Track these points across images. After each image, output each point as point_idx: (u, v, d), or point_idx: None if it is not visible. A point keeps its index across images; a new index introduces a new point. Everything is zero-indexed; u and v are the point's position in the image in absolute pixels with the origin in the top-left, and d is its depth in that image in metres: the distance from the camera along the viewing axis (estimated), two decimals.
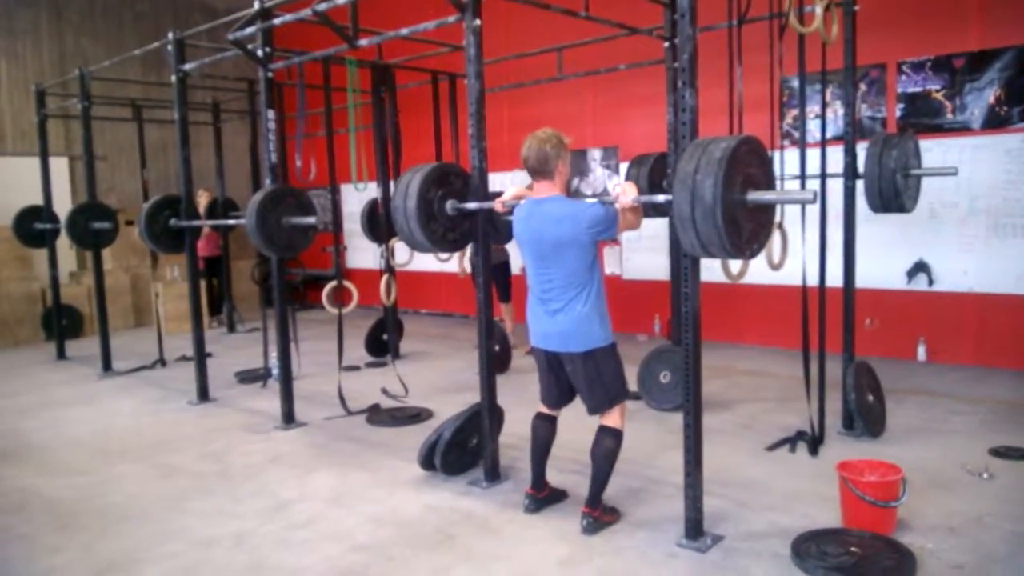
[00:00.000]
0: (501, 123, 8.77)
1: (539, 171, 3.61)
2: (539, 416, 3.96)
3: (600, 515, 3.66)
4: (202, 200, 9.71)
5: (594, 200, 3.55)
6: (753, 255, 3.23)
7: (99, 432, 5.69)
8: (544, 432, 3.92)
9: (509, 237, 6.92)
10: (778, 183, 4.36)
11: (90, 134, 7.69)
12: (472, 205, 4.26)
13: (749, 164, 3.07)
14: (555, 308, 3.60)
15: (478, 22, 4.08)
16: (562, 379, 3.80)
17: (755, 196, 3.07)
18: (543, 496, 3.90)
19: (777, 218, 4.22)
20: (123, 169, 11.69)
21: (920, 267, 6.85)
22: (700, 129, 3.34)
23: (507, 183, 8.02)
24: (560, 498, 3.98)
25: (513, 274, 7.71)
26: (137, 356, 8.29)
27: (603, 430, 3.68)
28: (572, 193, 9.12)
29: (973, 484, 4.10)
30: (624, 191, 3.50)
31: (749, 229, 3.11)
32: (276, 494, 4.31)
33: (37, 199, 8.59)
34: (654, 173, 6.07)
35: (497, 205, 4.05)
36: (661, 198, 3.48)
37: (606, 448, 3.64)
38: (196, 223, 6.59)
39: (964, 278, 6.66)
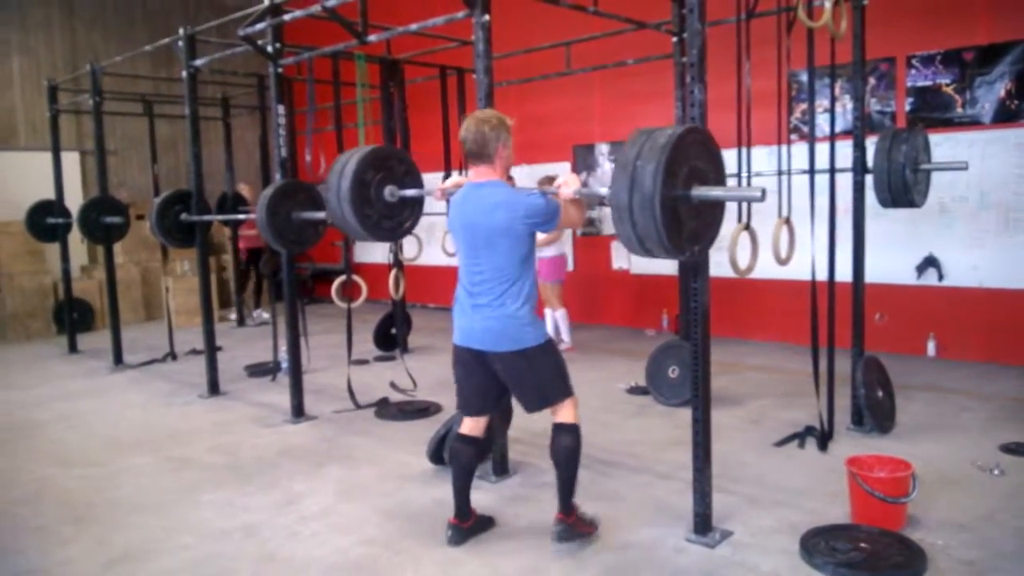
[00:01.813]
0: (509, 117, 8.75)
1: (477, 154, 3.32)
2: (460, 438, 3.59)
3: (576, 522, 3.43)
4: (244, 192, 9.81)
5: (535, 190, 3.36)
6: (693, 257, 3.06)
7: (111, 424, 5.74)
8: (467, 457, 3.55)
9: None
10: (783, 178, 4.37)
11: (101, 129, 7.74)
12: (411, 192, 4.19)
13: (696, 156, 2.92)
14: (483, 303, 3.32)
15: (487, 17, 4.08)
16: (485, 382, 3.47)
17: (700, 192, 2.91)
18: (468, 526, 3.57)
19: (784, 213, 4.23)
20: (134, 164, 11.75)
21: (930, 262, 6.83)
22: (708, 124, 3.34)
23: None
24: (487, 526, 3.65)
25: None
26: (148, 350, 8.34)
27: (557, 429, 3.41)
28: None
29: (983, 480, 4.09)
30: (566, 183, 3.31)
31: (691, 227, 2.95)
32: (286, 487, 4.34)
33: (49, 193, 8.65)
34: None
35: (437, 193, 3.91)
36: (603, 190, 3.18)
37: (564, 447, 3.37)
38: (207, 218, 6.62)
39: (974, 273, 6.64)
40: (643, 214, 2.80)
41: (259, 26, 5.39)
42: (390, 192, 4.14)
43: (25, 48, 10.86)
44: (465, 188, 3.43)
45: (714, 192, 2.97)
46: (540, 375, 3.36)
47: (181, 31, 6.21)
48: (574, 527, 3.41)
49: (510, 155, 3.41)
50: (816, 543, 3.33)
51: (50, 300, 9.91)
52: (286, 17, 5.35)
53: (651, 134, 2.89)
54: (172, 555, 3.55)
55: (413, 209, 4.32)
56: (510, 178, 8.11)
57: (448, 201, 3.75)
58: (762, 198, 2.88)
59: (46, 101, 8.52)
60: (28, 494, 4.37)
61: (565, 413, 3.42)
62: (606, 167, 9.05)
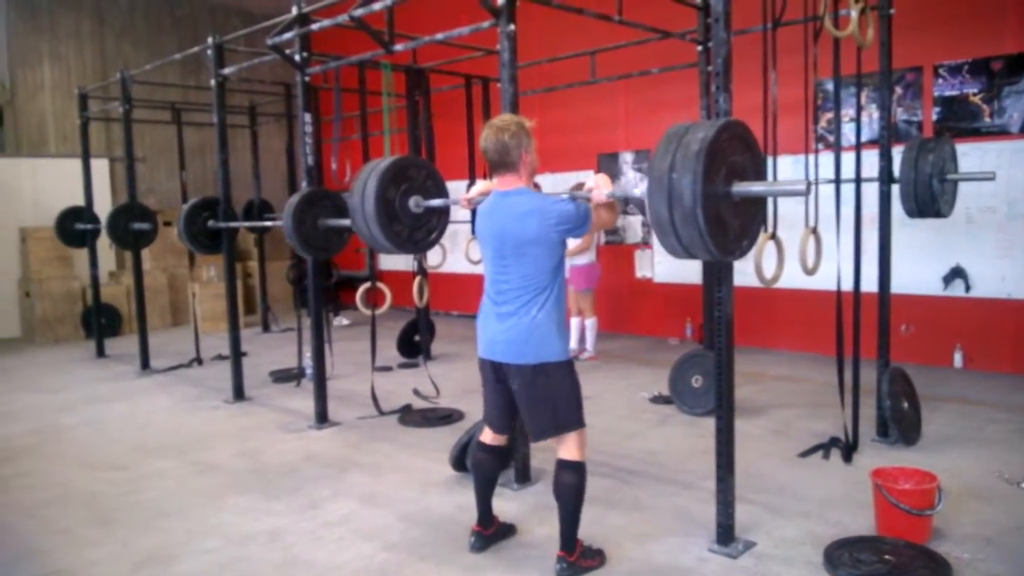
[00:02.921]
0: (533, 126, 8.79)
1: (501, 164, 3.23)
2: (482, 448, 3.57)
3: (577, 559, 3.27)
4: None
5: (565, 196, 3.26)
6: (743, 254, 2.94)
7: (137, 428, 5.81)
8: (489, 467, 3.54)
9: None
10: (811, 185, 4.35)
11: (131, 136, 7.85)
12: (436, 202, 4.12)
13: (733, 152, 2.79)
14: (507, 311, 3.23)
15: (512, 27, 4.11)
16: (504, 402, 3.41)
17: (741, 188, 2.80)
18: (490, 533, 3.57)
19: (811, 223, 4.21)
20: (162, 171, 11.91)
21: (957, 273, 6.76)
22: None
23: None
24: (509, 534, 3.66)
25: None
26: (174, 355, 8.43)
27: (561, 466, 3.27)
28: None
29: (1010, 493, 4.04)
30: (598, 185, 3.22)
31: (737, 226, 2.83)
32: (310, 492, 4.37)
33: (78, 200, 8.79)
34: None
35: (463, 202, 3.82)
36: (638, 191, 3.10)
37: (568, 485, 3.24)
38: (234, 224, 6.69)
39: (1002, 284, 6.56)
40: (686, 228, 2.70)
41: (287, 35, 5.46)
42: (415, 203, 4.09)
43: (56, 56, 11.06)
44: (492, 197, 3.35)
45: (755, 188, 2.84)
46: (556, 396, 3.23)
47: (210, 40, 6.30)
48: (576, 564, 3.27)
49: (534, 159, 3.30)
50: (840, 555, 3.30)
51: (78, 305, 10.06)
52: (314, 27, 5.41)
53: (682, 139, 2.75)
54: (196, 558, 3.59)
55: (440, 216, 4.28)
56: (537, 186, 8.16)
57: (474, 210, 3.71)
58: (807, 191, 2.77)
59: (76, 109, 8.66)
60: (55, 496, 4.43)
61: (570, 449, 3.26)
62: (630, 175, 9.05)
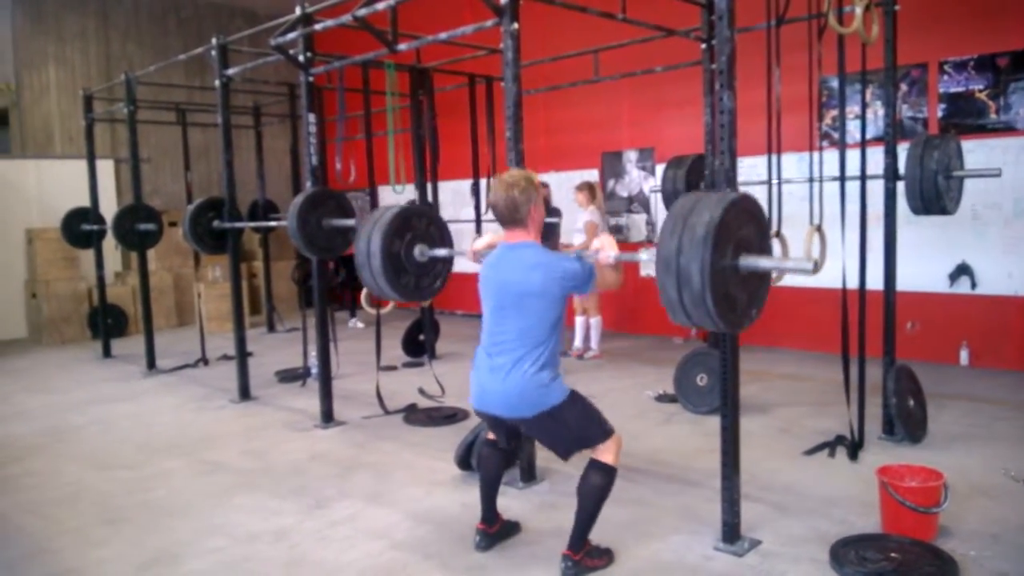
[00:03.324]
0: (537, 125, 8.78)
1: (510, 219, 3.27)
2: (488, 445, 3.65)
3: (582, 559, 3.27)
4: None
5: (572, 254, 3.28)
6: (751, 323, 2.97)
7: (144, 428, 5.83)
8: (495, 464, 3.59)
9: (546, 238, 6.99)
10: (813, 185, 4.35)
11: (136, 137, 7.86)
12: (441, 252, 4.14)
13: (739, 226, 2.81)
14: (501, 364, 3.20)
15: (516, 25, 4.11)
16: (508, 430, 3.46)
17: (748, 262, 2.82)
18: (495, 531, 3.59)
19: (815, 220, 4.21)
20: (167, 171, 11.94)
21: (963, 270, 6.75)
22: (738, 130, 3.34)
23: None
24: (513, 532, 3.68)
25: None
26: (180, 355, 8.46)
27: (592, 465, 3.28)
28: (608, 195, 9.12)
29: (1016, 491, 4.03)
30: (603, 247, 3.22)
31: (744, 299, 2.87)
32: (316, 491, 4.38)
33: (84, 201, 8.81)
34: (691, 175, 6.07)
35: (469, 254, 3.85)
36: (644, 255, 3.18)
37: (594, 485, 3.24)
38: (238, 224, 6.71)
39: (1008, 281, 6.54)
40: (696, 309, 2.74)
41: (291, 36, 5.47)
42: (420, 252, 4.11)
43: (61, 58, 11.10)
44: (500, 249, 3.39)
45: (762, 263, 2.85)
46: (570, 428, 3.24)
47: (214, 41, 6.31)
48: (581, 563, 3.27)
49: (542, 213, 3.35)
50: (846, 553, 3.30)
51: (84, 305, 10.09)
52: (317, 27, 5.42)
53: (687, 219, 2.74)
54: (203, 557, 3.60)
55: (445, 261, 4.29)
56: (545, 185, 8.15)
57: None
58: (813, 270, 2.79)
59: (81, 110, 8.68)
60: (64, 496, 4.45)
61: (604, 453, 3.27)
62: (634, 174, 9.05)
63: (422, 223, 4.14)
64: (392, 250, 3.96)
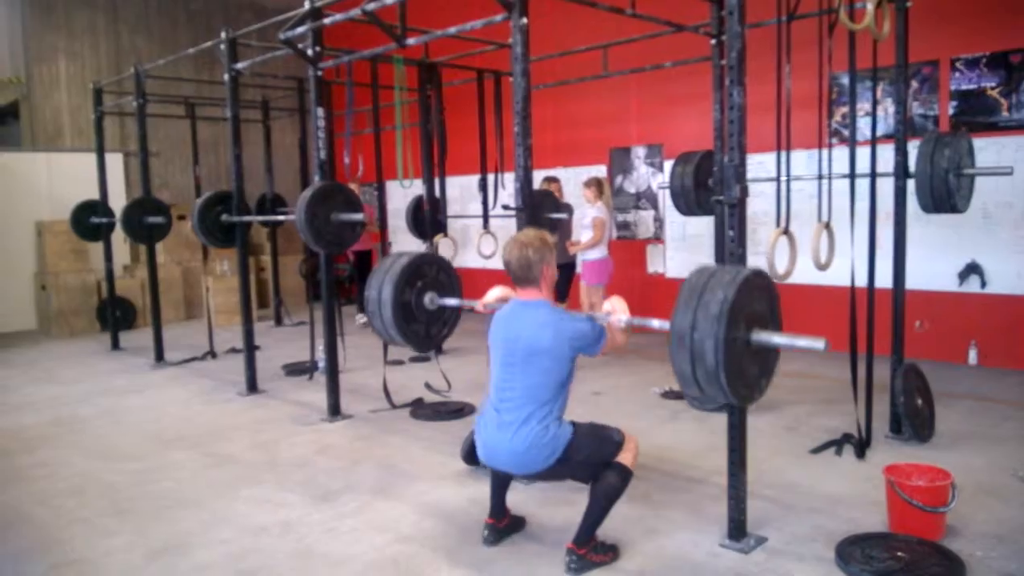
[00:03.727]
0: (545, 120, 8.78)
1: (523, 278, 3.34)
2: None
3: (587, 553, 3.28)
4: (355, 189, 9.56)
5: (582, 315, 3.34)
6: (761, 395, 2.99)
7: (152, 420, 5.85)
8: None
9: (552, 234, 6.98)
10: (823, 182, 4.33)
11: (145, 131, 7.89)
12: (452, 302, 4.16)
13: (752, 302, 2.86)
14: (509, 421, 3.24)
15: (525, 20, 4.10)
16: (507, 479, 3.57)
17: (761, 338, 2.86)
18: (503, 526, 3.61)
19: (824, 218, 4.20)
20: (176, 165, 11.98)
21: (972, 269, 6.72)
22: (747, 127, 3.33)
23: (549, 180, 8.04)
24: (520, 526, 3.69)
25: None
26: (188, 348, 8.49)
27: (611, 466, 3.32)
28: (616, 191, 9.11)
29: None
30: (615, 310, 3.27)
31: (755, 372, 2.91)
32: (323, 484, 4.40)
33: (93, 194, 8.84)
34: (700, 171, 6.05)
35: (479, 306, 3.85)
36: (656, 323, 3.21)
37: (609, 484, 3.27)
38: (247, 218, 6.72)
39: (1018, 280, 6.51)
40: (709, 384, 2.78)
41: (299, 30, 5.46)
42: (430, 300, 4.12)
43: (71, 52, 11.13)
44: (512, 304, 3.45)
45: (775, 339, 2.88)
46: (584, 457, 3.27)
47: (223, 35, 6.32)
48: (585, 558, 3.28)
49: (554, 272, 3.43)
50: (852, 551, 3.29)
51: (93, 298, 10.13)
52: (326, 21, 5.42)
53: (701, 296, 2.78)
54: (211, 549, 3.62)
55: (454, 309, 4.33)
56: (556, 180, 8.12)
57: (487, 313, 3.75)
58: (825, 348, 2.81)
59: (91, 103, 8.71)
60: (73, 487, 4.48)
61: (624, 456, 3.32)
62: (642, 170, 9.03)
63: (433, 270, 4.17)
64: (403, 299, 3.99)
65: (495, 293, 3.80)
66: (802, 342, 2.83)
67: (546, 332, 3.22)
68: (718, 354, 2.69)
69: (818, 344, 2.78)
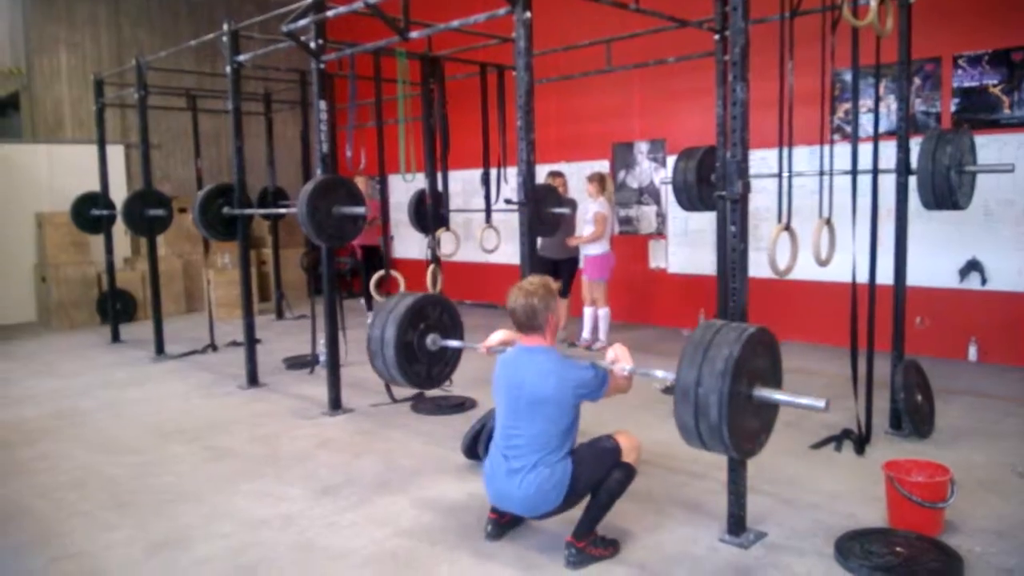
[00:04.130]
0: (548, 115, 8.78)
1: (528, 325, 3.38)
2: None
3: (586, 547, 3.31)
4: (361, 185, 9.35)
5: (587, 363, 3.34)
6: (761, 449, 3.06)
7: (153, 413, 5.86)
8: None
9: (553, 230, 6.99)
10: (824, 179, 4.33)
11: (146, 123, 7.87)
12: (454, 344, 4.18)
13: (755, 358, 2.91)
14: (517, 468, 3.27)
15: (528, 14, 4.10)
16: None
17: (763, 395, 2.92)
18: (506, 521, 3.61)
19: (825, 214, 4.19)
20: (177, 157, 11.96)
21: (973, 265, 6.72)
22: (750, 122, 3.32)
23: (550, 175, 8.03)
24: (521, 520, 3.66)
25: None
26: (188, 341, 8.49)
27: (616, 464, 3.37)
28: (619, 186, 9.10)
29: (1023, 487, 4.03)
30: (618, 358, 3.32)
31: (756, 426, 2.97)
32: (323, 478, 4.41)
33: (94, 186, 8.84)
34: (703, 167, 6.05)
35: (482, 350, 3.90)
36: (659, 374, 3.30)
37: (613, 480, 3.32)
38: (248, 211, 6.72)
39: (1019, 277, 6.51)
40: (712, 438, 2.84)
41: (302, 22, 5.46)
42: (432, 341, 4.16)
43: (72, 43, 11.11)
44: (517, 350, 3.48)
45: (776, 396, 2.95)
46: (590, 475, 3.30)
47: (225, 27, 6.31)
48: (584, 551, 3.31)
49: (558, 320, 3.47)
50: (851, 546, 3.30)
51: (94, 291, 10.13)
52: (329, 13, 5.41)
53: (707, 352, 2.85)
54: (212, 542, 3.63)
55: (456, 349, 4.34)
56: (561, 175, 8.10)
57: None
58: (826, 408, 2.86)
59: (92, 95, 8.70)
60: (74, 480, 4.49)
61: (627, 456, 3.36)
62: (645, 165, 9.03)
63: (436, 312, 4.21)
64: (405, 339, 4.04)
65: (498, 336, 3.86)
66: (803, 400, 2.90)
67: (550, 380, 3.26)
68: (722, 409, 2.76)
69: (819, 404, 2.84)
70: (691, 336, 3.00)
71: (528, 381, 3.30)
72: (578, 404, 3.33)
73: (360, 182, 9.19)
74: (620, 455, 3.34)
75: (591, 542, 3.34)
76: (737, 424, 2.82)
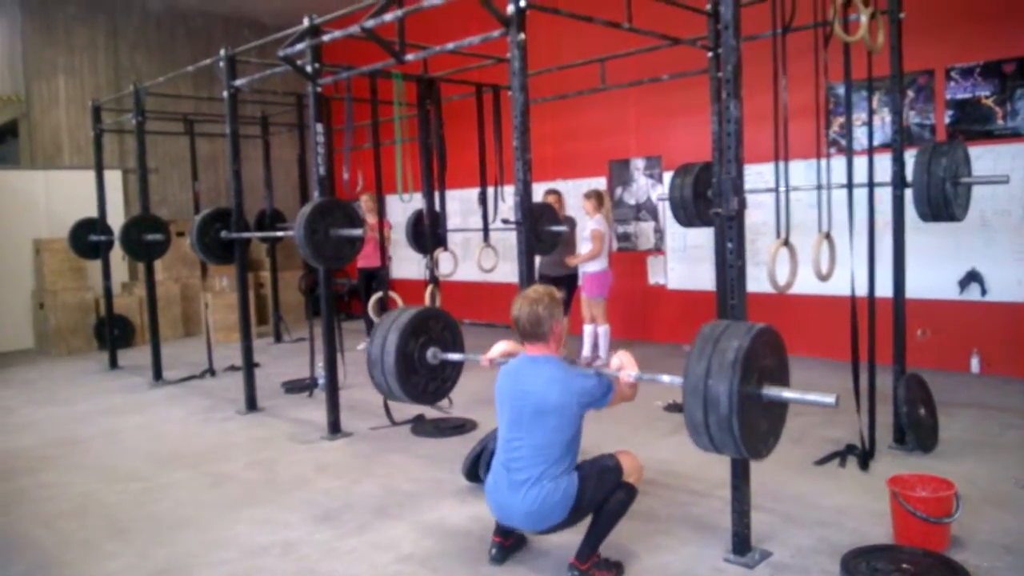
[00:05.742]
0: (544, 134, 8.80)
1: (532, 334, 3.33)
2: None
3: (589, 568, 3.28)
4: (368, 206, 8.93)
5: (591, 371, 3.35)
6: (769, 452, 3.02)
7: (151, 440, 5.83)
8: None
9: (551, 248, 6.99)
10: (821, 192, 4.34)
11: (144, 148, 7.89)
12: (455, 357, 4.17)
13: (764, 356, 2.91)
14: (520, 480, 3.22)
15: (522, 36, 4.11)
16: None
17: (772, 393, 2.91)
18: (510, 544, 3.58)
19: (824, 227, 4.19)
20: (175, 182, 11.98)
21: (972, 277, 6.71)
22: (745, 137, 3.33)
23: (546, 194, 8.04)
24: (523, 543, 3.65)
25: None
26: (187, 366, 8.46)
27: (618, 485, 3.34)
28: (615, 202, 9.12)
29: None
30: (623, 364, 3.32)
31: (765, 426, 2.94)
32: (323, 503, 4.37)
33: (92, 211, 8.84)
34: (698, 183, 6.05)
35: (484, 361, 3.86)
36: (666, 379, 3.28)
37: (616, 500, 3.29)
38: (246, 235, 6.72)
39: (1019, 288, 6.51)
40: (721, 432, 2.80)
41: (299, 47, 5.48)
42: (432, 355, 4.15)
43: (70, 69, 11.16)
44: (520, 360, 3.44)
45: (786, 394, 2.93)
46: (591, 496, 3.26)
47: (222, 52, 6.33)
48: (588, 572, 3.28)
49: (563, 329, 3.45)
50: (857, 564, 3.27)
51: (91, 316, 10.11)
52: (325, 38, 5.43)
53: (716, 344, 2.85)
54: (212, 569, 3.59)
55: (455, 366, 4.33)
56: (557, 192, 8.11)
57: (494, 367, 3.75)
58: (836, 404, 2.84)
59: (90, 121, 8.71)
60: (73, 508, 4.46)
61: (629, 476, 3.33)
62: (641, 181, 9.04)
63: (438, 326, 4.20)
64: (406, 350, 4.02)
65: (500, 347, 3.82)
66: (812, 397, 2.87)
67: (554, 388, 3.22)
68: (732, 400, 2.72)
69: (828, 399, 2.82)
70: (699, 332, 2.96)
71: (533, 390, 3.25)
72: (582, 414, 3.27)
73: (366, 200, 9.11)
74: (622, 475, 3.31)
75: (594, 564, 3.30)
76: (747, 419, 2.78)
